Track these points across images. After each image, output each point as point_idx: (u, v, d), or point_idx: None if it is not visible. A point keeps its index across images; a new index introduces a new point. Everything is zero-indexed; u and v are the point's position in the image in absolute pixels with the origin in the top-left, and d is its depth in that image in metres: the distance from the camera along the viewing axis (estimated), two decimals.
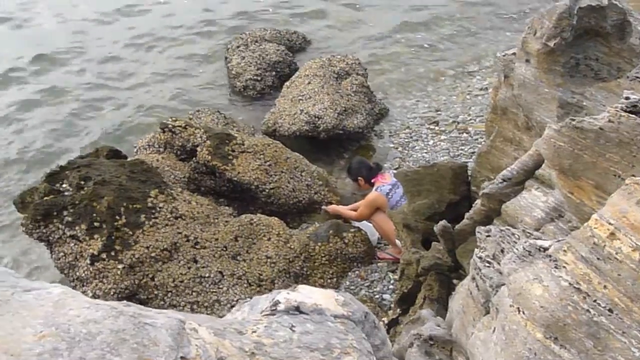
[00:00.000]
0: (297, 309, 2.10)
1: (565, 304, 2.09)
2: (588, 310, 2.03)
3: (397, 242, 5.97)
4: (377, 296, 6.01)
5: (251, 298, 2.16)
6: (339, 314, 2.17)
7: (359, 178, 6.93)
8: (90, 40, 13.36)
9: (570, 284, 2.11)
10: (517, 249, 2.41)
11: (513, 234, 2.67)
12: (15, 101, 11.03)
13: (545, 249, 2.31)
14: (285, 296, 2.01)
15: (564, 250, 2.21)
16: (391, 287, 6.10)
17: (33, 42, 13.39)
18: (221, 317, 5.48)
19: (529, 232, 2.65)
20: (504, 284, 2.48)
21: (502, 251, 2.67)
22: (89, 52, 12.87)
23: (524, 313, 2.23)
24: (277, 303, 1.99)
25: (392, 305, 5.40)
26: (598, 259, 2.07)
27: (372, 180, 6.79)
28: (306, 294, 2.08)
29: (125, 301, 1.74)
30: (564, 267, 2.17)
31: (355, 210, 6.83)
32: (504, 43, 12.30)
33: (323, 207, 7.13)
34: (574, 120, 2.91)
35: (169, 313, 1.65)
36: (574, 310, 2.06)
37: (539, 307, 2.15)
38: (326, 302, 2.00)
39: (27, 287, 1.68)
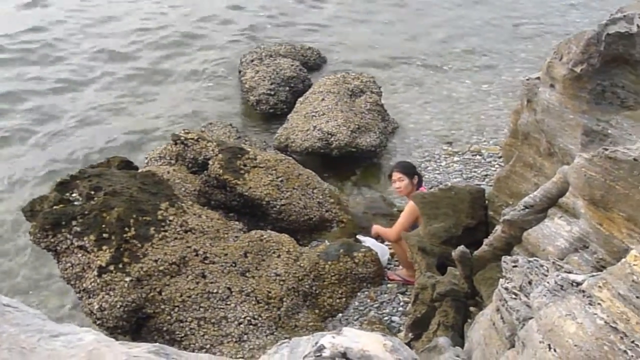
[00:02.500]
0: (344, 356, 1.96)
1: (601, 344, 2.00)
2: (625, 352, 1.94)
3: None
4: (385, 318, 5.89)
5: (290, 340, 2.03)
6: None
7: (415, 176, 6.44)
8: (103, 51, 13.33)
9: (606, 322, 2.02)
10: (547, 282, 2.31)
11: (542, 266, 2.57)
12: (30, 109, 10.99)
13: (579, 284, 2.22)
14: (330, 340, 1.87)
15: (599, 287, 2.12)
16: (400, 309, 5.99)
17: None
18: (228, 334, 5.41)
19: (559, 265, 2.55)
20: (532, 318, 2.38)
21: (530, 283, 2.57)
22: (100, 63, 12.84)
23: (555, 350, 2.13)
24: (321, 348, 1.86)
25: (404, 329, 5.28)
26: (637, 297, 1.98)
27: (420, 190, 6.35)
28: (352, 338, 1.93)
29: (158, 344, 1.61)
30: (599, 304, 2.08)
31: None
32: (519, 64, 12.28)
33: (373, 227, 6.65)
34: (607, 149, 2.82)
35: (204, 357, 1.55)
36: (611, 350, 1.97)
37: (572, 346, 2.06)
38: (374, 348, 1.87)
39: (54, 331, 1.55)
